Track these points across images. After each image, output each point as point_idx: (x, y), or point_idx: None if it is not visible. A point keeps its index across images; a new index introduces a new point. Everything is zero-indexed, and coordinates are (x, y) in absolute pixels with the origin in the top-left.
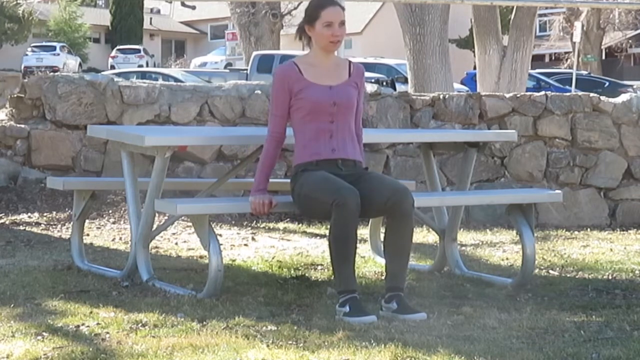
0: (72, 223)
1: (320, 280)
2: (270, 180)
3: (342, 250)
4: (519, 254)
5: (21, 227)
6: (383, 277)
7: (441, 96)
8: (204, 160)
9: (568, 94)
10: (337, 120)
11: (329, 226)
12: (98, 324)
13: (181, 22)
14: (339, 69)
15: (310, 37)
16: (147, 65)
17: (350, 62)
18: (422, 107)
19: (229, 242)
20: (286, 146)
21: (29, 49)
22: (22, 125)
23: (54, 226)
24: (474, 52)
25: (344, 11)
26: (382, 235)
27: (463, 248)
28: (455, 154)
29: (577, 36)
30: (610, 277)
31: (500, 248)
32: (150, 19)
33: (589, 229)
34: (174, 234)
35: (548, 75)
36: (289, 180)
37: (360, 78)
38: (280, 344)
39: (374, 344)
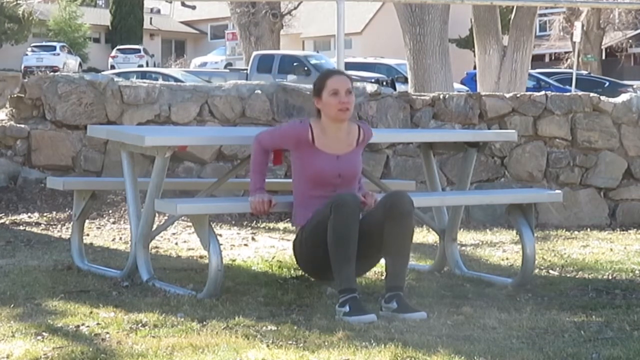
0: (72, 223)
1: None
2: (271, 180)
3: (343, 249)
4: (519, 254)
5: (21, 227)
6: (383, 277)
7: (441, 96)
8: (204, 160)
9: (568, 93)
10: (340, 189)
11: (328, 225)
12: (98, 324)
13: (181, 22)
14: (349, 137)
15: (319, 110)
16: (147, 65)
17: (359, 127)
18: (422, 107)
19: (229, 242)
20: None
21: (29, 48)
22: (22, 125)
23: (54, 226)
24: (474, 52)
25: (352, 82)
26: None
27: (463, 248)
28: (455, 154)
29: (577, 36)
30: (610, 277)
31: (500, 248)
32: (150, 18)
33: (589, 229)
34: (174, 234)
35: (548, 75)
36: (289, 180)
37: (367, 140)
38: (280, 344)
39: (374, 344)
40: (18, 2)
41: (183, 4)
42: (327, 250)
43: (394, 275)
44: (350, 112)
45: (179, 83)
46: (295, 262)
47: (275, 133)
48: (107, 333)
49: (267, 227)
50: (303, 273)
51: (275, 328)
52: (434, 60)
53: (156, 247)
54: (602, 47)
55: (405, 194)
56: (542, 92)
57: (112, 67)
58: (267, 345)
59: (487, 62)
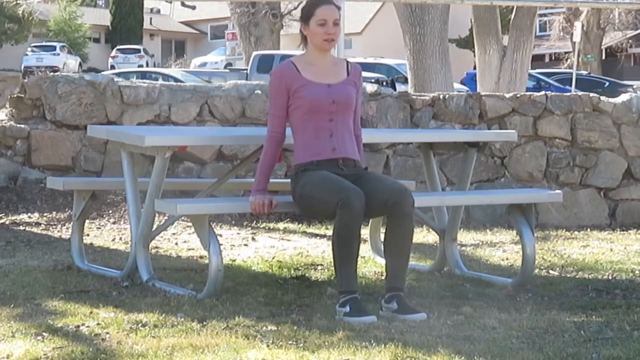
0: (72, 223)
1: (320, 280)
2: (270, 180)
3: (346, 250)
4: (519, 254)
5: (21, 227)
6: (383, 277)
7: (441, 96)
8: (204, 160)
9: (568, 94)
10: (337, 118)
11: (332, 226)
12: (98, 324)
13: (181, 22)
14: (336, 68)
15: (306, 37)
16: (147, 65)
17: (347, 61)
18: (422, 107)
19: (229, 242)
20: (286, 146)
21: (29, 49)
22: (22, 125)
23: (54, 226)
24: (474, 52)
25: (339, 10)
26: (382, 236)
27: (463, 248)
28: (455, 154)
29: (577, 36)
30: (610, 277)
31: (500, 248)
32: (150, 19)
33: (589, 229)
34: (174, 234)
35: (548, 75)
36: (289, 180)
37: (358, 77)
38: (280, 344)
39: (374, 344)
40: (18, 2)
41: (183, 4)
42: (320, 214)
43: (394, 275)
44: (335, 42)
45: (179, 83)
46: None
47: (272, 101)
48: (107, 333)
49: (267, 227)
50: (303, 273)
51: (275, 328)
52: (434, 61)
53: (156, 247)
54: (602, 47)
55: (409, 193)
56: (542, 92)
57: (112, 67)
58: (267, 346)
59: (487, 62)
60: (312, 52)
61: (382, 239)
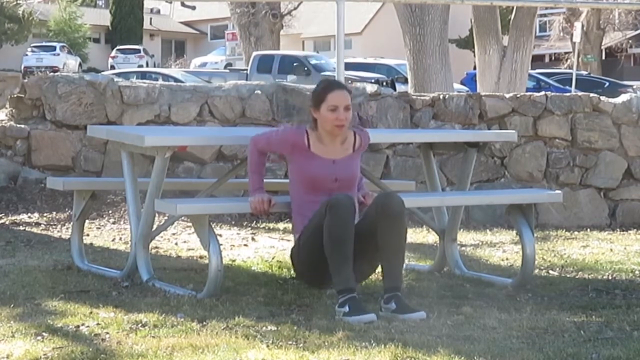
0: (72, 223)
1: None
2: (270, 180)
3: (340, 249)
4: (518, 254)
5: (21, 227)
6: (381, 278)
7: (441, 96)
8: (204, 160)
9: (568, 94)
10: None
11: (324, 226)
12: (98, 324)
13: (181, 22)
14: (345, 143)
15: (316, 120)
16: (147, 66)
17: (355, 133)
18: (422, 107)
19: (228, 242)
20: None
21: (29, 49)
22: (22, 126)
23: (54, 226)
24: (474, 52)
25: (350, 95)
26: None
27: (463, 248)
28: (455, 154)
29: (577, 36)
30: (610, 278)
31: (500, 248)
32: (150, 19)
33: (588, 229)
34: (174, 234)
35: (548, 75)
36: (289, 181)
37: (365, 145)
38: (280, 344)
39: (373, 344)
40: (18, 2)
41: (183, 4)
42: (317, 247)
43: (390, 276)
44: (345, 127)
45: (178, 83)
46: (294, 271)
47: (272, 138)
48: (107, 333)
49: (267, 228)
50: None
51: (275, 328)
52: (434, 61)
53: (156, 247)
54: (602, 47)
55: (395, 194)
56: (542, 93)
57: (112, 67)
58: (267, 346)
59: (487, 62)
60: (323, 134)
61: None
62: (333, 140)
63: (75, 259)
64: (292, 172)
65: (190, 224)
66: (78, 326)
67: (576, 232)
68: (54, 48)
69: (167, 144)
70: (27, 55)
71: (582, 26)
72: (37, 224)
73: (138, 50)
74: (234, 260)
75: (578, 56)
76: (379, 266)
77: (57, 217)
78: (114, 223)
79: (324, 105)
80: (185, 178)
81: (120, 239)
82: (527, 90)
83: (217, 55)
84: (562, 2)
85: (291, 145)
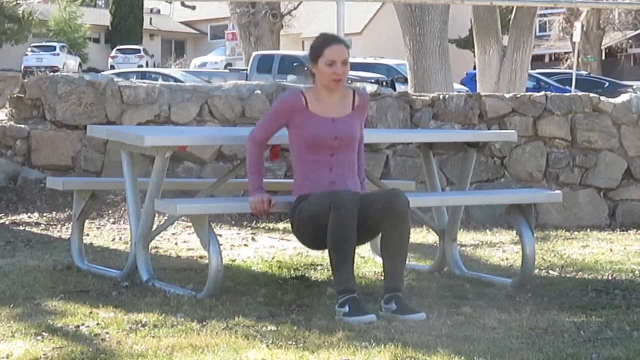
0: (72, 223)
1: (320, 280)
2: (270, 181)
3: (342, 250)
4: (519, 254)
5: (21, 228)
6: (382, 278)
7: (441, 96)
8: (204, 160)
9: (568, 94)
10: (338, 153)
11: (328, 227)
12: (98, 324)
13: (181, 23)
14: (344, 101)
15: (314, 74)
16: (147, 66)
17: (355, 91)
18: (422, 107)
19: (229, 242)
20: (286, 146)
21: (29, 49)
22: (22, 126)
23: (54, 226)
24: (474, 52)
25: (349, 49)
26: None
27: (463, 248)
28: (455, 154)
29: (577, 37)
30: (610, 278)
31: (500, 248)
32: (151, 19)
33: (589, 230)
34: (174, 234)
35: (548, 75)
36: (289, 181)
37: (364, 108)
38: (280, 344)
39: (374, 345)
40: (18, 2)
41: (183, 5)
42: (323, 236)
43: (392, 276)
44: (343, 82)
45: (179, 83)
46: (291, 229)
47: (267, 119)
48: (107, 333)
49: (267, 228)
50: (303, 274)
51: (275, 328)
52: (434, 61)
53: (156, 248)
54: (602, 47)
55: (402, 194)
56: (542, 93)
57: (112, 67)
58: (267, 346)
59: (487, 62)
60: (320, 89)
61: (380, 240)
62: (331, 95)
63: (76, 259)
64: (292, 138)
65: (190, 224)
66: (78, 326)
67: (576, 233)
68: (54, 48)
69: (167, 144)
70: (27, 55)
71: (582, 26)
72: (37, 224)
73: (138, 51)
74: (234, 261)
75: (578, 56)
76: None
77: (57, 217)
78: (114, 223)
79: (321, 60)
80: (185, 178)
81: (121, 239)
82: (527, 90)
83: (217, 55)
84: (562, 2)
85: (290, 109)
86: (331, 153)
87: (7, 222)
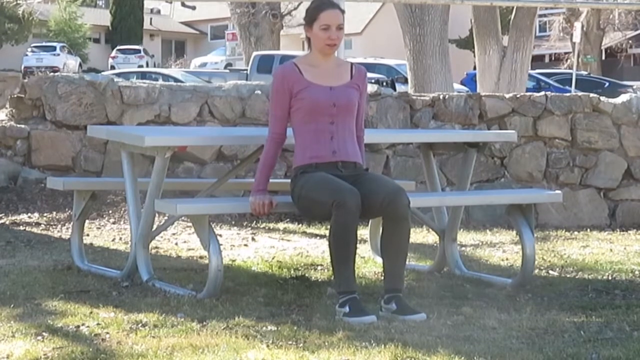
0: (72, 223)
1: (320, 280)
2: (270, 180)
3: (343, 250)
4: (518, 254)
5: (21, 227)
6: (382, 278)
7: (441, 96)
8: (204, 160)
9: (568, 94)
10: (337, 121)
11: (329, 226)
12: (98, 324)
13: (181, 23)
14: (340, 70)
15: (310, 38)
16: (147, 66)
17: (352, 64)
18: (422, 107)
19: (229, 242)
20: (286, 146)
21: (29, 49)
22: (22, 126)
23: (54, 226)
24: (473, 52)
25: (343, 14)
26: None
27: (463, 248)
28: (455, 154)
29: (577, 37)
30: (610, 278)
31: (500, 248)
32: (151, 19)
33: (588, 230)
34: (174, 234)
35: (548, 75)
36: (289, 181)
37: (362, 80)
38: (280, 344)
39: (373, 344)
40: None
41: (183, 5)
42: (320, 216)
43: (392, 276)
44: (337, 47)
45: (179, 83)
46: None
47: (273, 101)
48: (107, 333)
49: (267, 228)
50: (303, 274)
51: (275, 328)
52: (434, 61)
53: (156, 247)
54: (602, 47)
55: (403, 193)
56: (542, 93)
57: (112, 67)
58: (267, 346)
59: (487, 62)
60: (315, 55)
61: (380, 239)
62: (326, 60)
63: (75, 259)
64: (293, 110)
65: (190, 224)
66: (78, 326)
67: (576, 232)
68: (54, 48)
69: (167, 144)
70: (27, 55)
71: (582, 26)
72: (37, 224)
73: (138, 51)
74: (234, 260)
75: (578, 56)
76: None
77: (57, 217)
78: (114, 223)
79: (316, 24)
80: (185, 178)
81: (120, 239)
82: (527, 90)
83: (217, 55)
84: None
85: (287, 79)
86: (331, 121)
87: (7, 222)
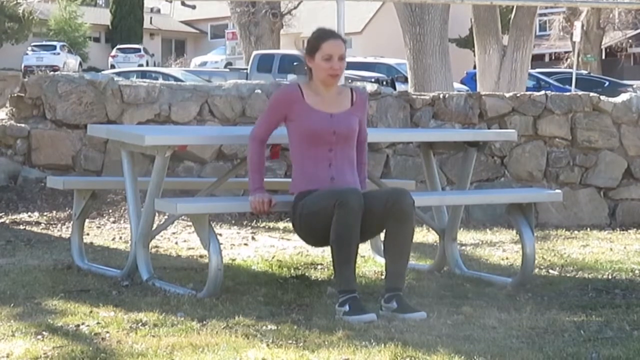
0: (72, 222)
1: (320, 279)
2: (270, 179)
3: (344, 250)
4: (518, 253)
5: (21, 227)
6: (383, 277)
7: (441, 96)
8: (204, 159)
9: (568, 93)
10: (337, 149)
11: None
12: (98, 323)
13: (181, 22)
14: (341, 97)
15: (311, 69)
16: (147, 65)
17: (352, 89)
18: (422, 106)
19: (229, 241)
20: (286, 145)
21: (29, 48)
22: (22, 125)
23: (54, 225)
24: (474, 51)
25: (345, 44)
26: (382, 235)
27: (463, 247)
28: (455, 153)
29: (577, 36)
30: (610, 277)
31: (500, 247)
32: (151, 18)
33: (588, 229)
34: (174, 233)
35: (548, 74)
36: (289, 180)
37: (363, 106)
38: (280, 343)
39: (373, 344)
40: (18, 1)
41: (183, 4)
42: (324, 232)
43: (393, 275)
44: (339, 77)
45: (179, 82)
46: (292, 227)
47: (266, 113)
48: (107, 332)
49: (267, 227)
50: (303, 273)
51: (275, 327)
52: (434, 60)
53: (156, 247)
54: (602, 46)
55: (408, 193)
56: (542, 92)
57: (112, 66)
58: (267, 345)
59: (487, 61)
60: (317, 84)
61: (383, 239)
62: (327, 90)
63: (76, 258)
64: (291, 133)
65: (190, 223)
66: (78, 325)
67: (576, 232)
68: (54, 47)
69: (167, 143)
70: (27, 54)
71: (582, 25)
72: (37, 223)
73: (138, 50)
74: (234, 260)
75: (578, 55)
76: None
77: (57, 216)
78: (114, 222)
79: (318, 54)
80: (185, 177)
81: (121, 238)
82: (527, 89)
83: (217, 54)
84: (562, 1)
85: (287, 102)
86: (330, 148)
87: (7, 221)
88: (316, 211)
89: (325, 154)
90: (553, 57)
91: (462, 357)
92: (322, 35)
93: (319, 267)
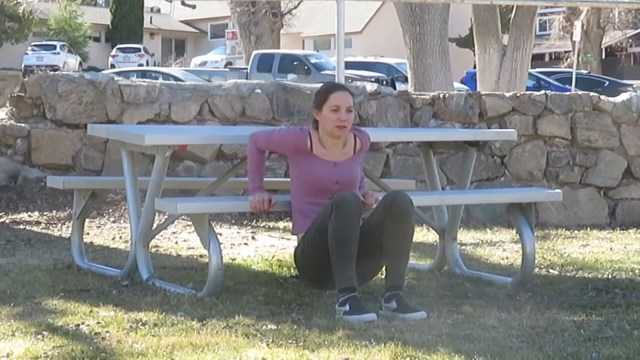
0: (72, 222)
1: None
2: (270, 179)
3: (343, 249)
4: (518, 253)
5: (21, 226)
6: (383, 277)
7: (441, 95)
8: (204, 159)
9: (568, 93)
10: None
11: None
12: (98, 322)
13: (181, 21)
14: (346, 146)
15: (318, 122)
16: (147, 64)
17: (355, 135)
18: (422, 106)
19: (229, 241)
20: None
21: (29, 47)
22: (22, 124)
23: (54, 225)
24: (474, 51)
25: (353, 97)
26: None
27: (463, 247)
28: (455, 153)
29: (577, 35)
30: (610, 277)
31: (500, 247)
32: (151, 17)
33: (588, 228)
34: (174, 232)
35: (548, 74)
36: (289, 180)
37: (365, 150)
38: (280, 342)
39: (374, 343)
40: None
41: (183, 3)
42: (323, 249)
43: (393, 274)
44: (347, 129)
45: (179, 82)
46: (297, 272)
47: (273, 137)
48: (107, 332)
49: (267, 226)
50: None
51: (275, 327)
52: (434, 60)
53: (156, 246)
54: (602, 46)
55: (405, 193)
56: (542, 92)
57: (112, 66)
58: (267, 344)
59: (487, 61)
60: (323, 136)
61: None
62: (334, 142)
63: (76, 257)
64: (293, 173)
65: (190, 223)
66: (78, 325)
67: (576, 231)
68: (54, 47)
69: (167, 142)
70: (27, 54)
71: (582, 25)
72: (37, 223)
73: (138, 49)
74: (234, 259)
75: (578, 55)
76: (383, 268)
77: (57, 215)
78: (114, 222)
79: (326, 105)
80: (185, 177)
81: (121, 237)
82: (527, 89)
83: (217, 54)
84: (562, 1)
85: (293, 146)
86: (331, 196)
87: (7, 221)
88: (318, 227)
89: (326, 201)
90: (553, 57)
91: (462, 356)
92: (330, 88)
93: None
